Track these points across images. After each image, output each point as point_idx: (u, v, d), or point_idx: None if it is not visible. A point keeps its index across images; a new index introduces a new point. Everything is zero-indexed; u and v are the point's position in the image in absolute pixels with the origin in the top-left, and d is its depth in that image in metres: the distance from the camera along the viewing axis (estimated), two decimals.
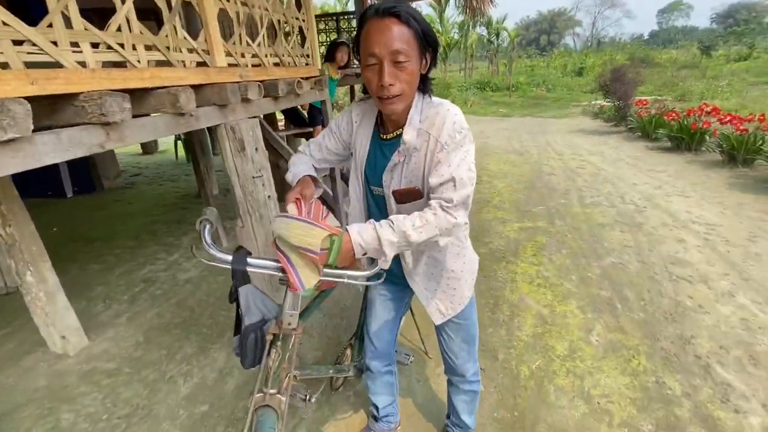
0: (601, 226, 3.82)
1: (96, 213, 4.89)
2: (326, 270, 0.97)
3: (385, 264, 0.97)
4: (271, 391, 0.97)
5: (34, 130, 1.02)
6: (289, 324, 1.00)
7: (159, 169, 7.32)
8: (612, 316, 2.47)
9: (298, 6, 2.50)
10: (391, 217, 0.98)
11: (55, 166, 5.22)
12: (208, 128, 3.51)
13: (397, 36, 0.90)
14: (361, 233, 0.94)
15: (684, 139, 6.44)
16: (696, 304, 2.55)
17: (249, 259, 0.96)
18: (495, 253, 3.35)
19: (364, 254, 0.96)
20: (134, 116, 1.33)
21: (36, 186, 5.26)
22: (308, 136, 4.15)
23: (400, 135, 1.05)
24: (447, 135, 0.99)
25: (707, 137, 6.26)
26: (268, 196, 1.91)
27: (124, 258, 3.53)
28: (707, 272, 2.91)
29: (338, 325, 2.46)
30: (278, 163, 3.81)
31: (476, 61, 34.28)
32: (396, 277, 1.27)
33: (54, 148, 1.06)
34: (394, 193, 1.08)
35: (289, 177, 1.18)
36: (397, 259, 1.21)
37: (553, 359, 2.13)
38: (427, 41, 0.95)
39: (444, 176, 0.97)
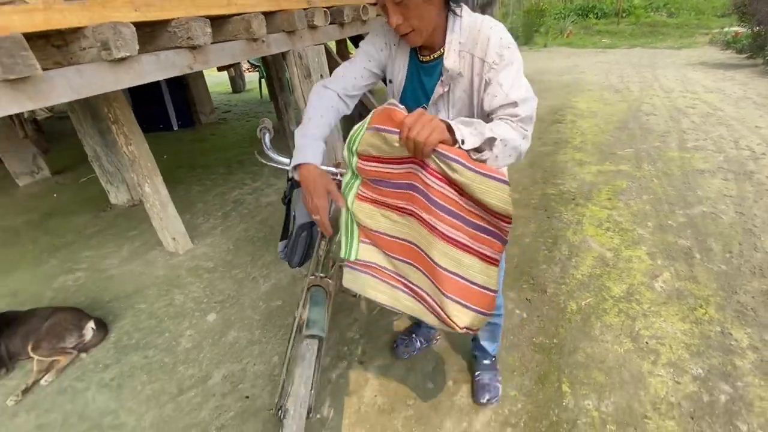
0: (699, 173, 3.37)
1: (196, 144, 5.58)
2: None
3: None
4: (321, 274, 1.16)
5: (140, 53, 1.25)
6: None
7: (246, 107, 7.92)
8: (686, 264, 2.29)
9: None
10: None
11: (162, 104, 6.04)
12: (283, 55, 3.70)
13: None
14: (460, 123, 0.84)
15: None
16: None
17: None
18: (564, 194, 3.19)
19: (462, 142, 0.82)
20: (215, 42, 1.51)
21: (150, 121, 6.13)
22: None
23: (441, 57, 0.99)
24: (494, 53, 0.92)
25: None
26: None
27: (218, 182, 4.07)
28: None
29: None
30: None
31: None
32: None
33: (156, 67, 1.29)
34: None
35: (298, 138, 1.02)
36: None
37: (606, 299, 2.10)
38: None
39: (499, 98, 0.91)
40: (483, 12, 5.76)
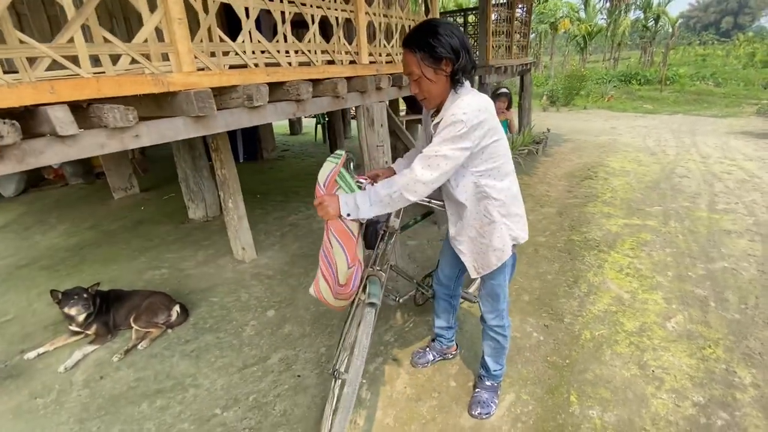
0: (725, 233, 3.52)
1: (258, 175, 6.33)
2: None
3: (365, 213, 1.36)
4: (377, 268, 1.56)
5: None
6: (393, 225, 1.58)
7: (302, 147, 8.80)
8: (701, 311, 2.47)
9: (426, 11, 3.05)
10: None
11: (234, 139, 6.97)
12: (343, 111, 4.35)
13: (408, 62, 1.30)
14: (347, 198, 1.37)
15: None
16: None
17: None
18: (588, 242, 3.44)
19: (348, 215, 1.36)
20: (312, 97, 2.06)
21: None
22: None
23: None
24: (444, 120, 1.27)
25: None
26: (386, 162, 2.53)
27: (277, 208, 4.66)
28: None
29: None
30: (396, 145, 4.48)
31: (628, 51, 30.32)
32: None
33: (273, 112, 1.83)
34: None
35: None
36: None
37: (618, 332, 2.31)
38: (435, 57, 1.25)
39: (425, 150, 1.30)
40: (522, 76, 6.33)
